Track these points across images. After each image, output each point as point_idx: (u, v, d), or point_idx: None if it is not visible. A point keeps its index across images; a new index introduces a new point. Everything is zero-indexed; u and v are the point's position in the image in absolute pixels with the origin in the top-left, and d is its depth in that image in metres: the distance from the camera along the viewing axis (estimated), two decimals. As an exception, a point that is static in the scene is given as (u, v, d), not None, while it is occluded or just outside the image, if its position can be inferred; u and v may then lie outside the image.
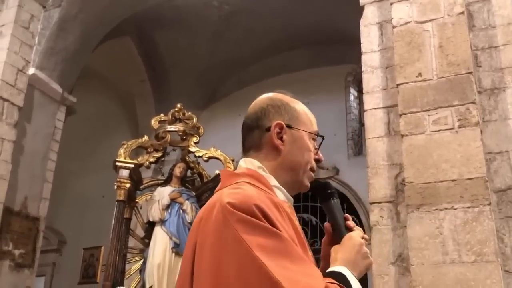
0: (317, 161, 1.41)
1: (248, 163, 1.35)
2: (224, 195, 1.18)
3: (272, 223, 1.13)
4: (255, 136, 1.37)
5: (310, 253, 1.29)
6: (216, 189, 1.31)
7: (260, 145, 1.36)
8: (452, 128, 3.84)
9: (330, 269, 1.24)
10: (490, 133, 3.99)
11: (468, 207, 3.59)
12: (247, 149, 1.39)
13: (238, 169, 1.36)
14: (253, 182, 1.27)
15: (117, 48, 9.97)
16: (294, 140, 1.36)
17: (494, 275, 3.37)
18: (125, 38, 9.97)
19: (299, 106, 1.43)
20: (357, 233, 1.32)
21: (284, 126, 1.35)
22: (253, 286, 1.05)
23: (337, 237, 1.33)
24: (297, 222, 1.32)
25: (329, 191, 1.37)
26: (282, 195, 1.33)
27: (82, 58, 8.61)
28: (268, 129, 1.35)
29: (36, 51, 7.58)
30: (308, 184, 1.40)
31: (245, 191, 1.20)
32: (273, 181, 1.32)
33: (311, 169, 1.40)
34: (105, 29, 8.79)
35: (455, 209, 3.63)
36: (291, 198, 1.37)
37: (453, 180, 3.70)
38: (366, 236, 1.34)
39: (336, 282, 1.15)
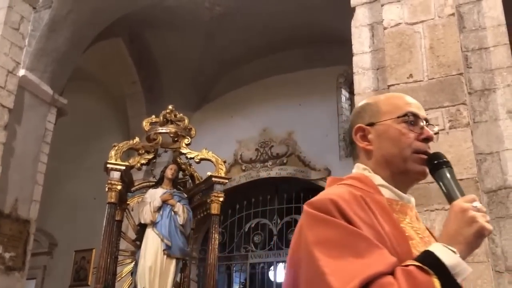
0: (425, 140, 1.32)
1: (356, 168, 1.39)
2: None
3: (346, 216, 1.13)
4: (352, 148, 1.42)
5: (415, 252, 1.19)
6: None
7: (357, 154, 1.40)
8: (442, 129, 3.85)
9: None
10: (480, 134, 4.01)
11: (459, 208, 3.60)
12: (354, 160, 1.43)
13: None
14: (353, 183, 1.29)
15: (108, 49, 9.92)
16: (379, 135, 1.34)
17: (485, 275, 3.39)
18: (116, 39, 9.92)
19: (382, 99, 1.41)
20: (463, 199, 1.18)
21: (364, 126, 1.36)
22: (310, 278, 1.10)
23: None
24: (408, 220, 1.29)
25: (435, 161, 1.28)
26: (388, 193, 1.31)
27: (73, 59, 8.56)
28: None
29: (26, 52, 7.53)
30: (421, 168, 1.31)
31: (330, 190, 1.25)
32: (378, 181, 1.32)
33: (416, 152, 1.30)
34: (96, 30, 8.75)
35: (446, 210, 3.64)
36: (403, 195, 1.34)
37: (444, 181, 3.71)
38: (476, 200, 1.18)
39: (414, 263, 1.07)
